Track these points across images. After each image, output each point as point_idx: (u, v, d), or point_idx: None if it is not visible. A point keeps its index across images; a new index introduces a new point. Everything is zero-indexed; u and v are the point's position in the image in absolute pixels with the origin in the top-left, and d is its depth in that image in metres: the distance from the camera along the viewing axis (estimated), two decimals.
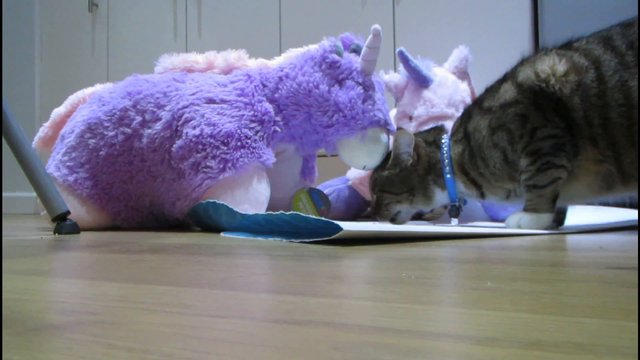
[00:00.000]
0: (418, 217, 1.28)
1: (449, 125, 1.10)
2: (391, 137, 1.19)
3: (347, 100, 1.10)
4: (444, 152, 1.00)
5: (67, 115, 1.34)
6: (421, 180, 1.03)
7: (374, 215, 1.10)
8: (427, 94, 1.28)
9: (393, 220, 1.07)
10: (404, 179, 1.04)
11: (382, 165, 1.10)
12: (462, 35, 1.82)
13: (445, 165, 1.00)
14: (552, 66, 0.87)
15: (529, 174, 0.88)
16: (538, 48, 1.10)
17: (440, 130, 1.07)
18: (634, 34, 0.83)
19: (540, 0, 1.81)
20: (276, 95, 1.14)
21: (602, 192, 0.88)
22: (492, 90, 0.96)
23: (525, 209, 0.90)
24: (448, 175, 1.00)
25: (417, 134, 1.07)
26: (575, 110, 0.84)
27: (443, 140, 1.02)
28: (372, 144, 1.12)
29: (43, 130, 1.37)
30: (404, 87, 1.33)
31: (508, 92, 0.91)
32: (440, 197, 1.03)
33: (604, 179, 0.86)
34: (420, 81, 1.29)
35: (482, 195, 0.99)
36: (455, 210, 1.03)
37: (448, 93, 1.27)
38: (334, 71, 1.12)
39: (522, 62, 0.93)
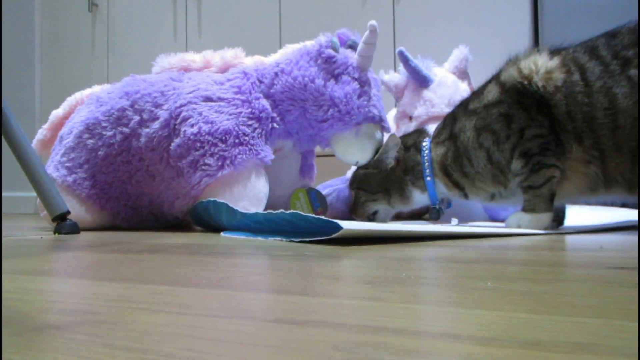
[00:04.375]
0: (418, 216, 1.28)
1: None
2: (385, 135, 1.19)
3: (343, 95, 1.10)
4: (425, 154, 1.01)
5: (65, 117, 1.34)
6: (398, 181, 1.04)
7: (351, 213, 1.11)
8: (427, 94, 1.28)
9: (370, 219, 1.07)
10: (381, 179, 1.06)
11: (368, 163, 1.11)
12: (462, 35, 1.82)
13: (426, 167, 1.01)
14: (536, 62, 0.88)
15: (524, 176, 0.88)
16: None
17: (421, 133, 1.08)
18: (618, 44, 0.84)
19: (540, 0, 1.81)
20: (272, 90, 1.14)
21: (586, 194, 0.90)
22: (477, 92, 0.97)
23: (524, 210, 0.90)
24: (428, 178, 1.01)
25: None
26: (557, 107, 0.85)
27: (424, 144, 1.03)
28: (366, 140, 1.12)
29: (42, 132, 1.37)
30: (404, 87, 1.33)
31: (491, 92, 0.92)
32: (420, 199, 1.04)
33: (591, 181, 0.87)
34: (420, 81, 1.28)
35: (466, 196, 0.99)
36: (435, 213, 1.03)
37: (448, 93, 1.27)
38: (329, 66, 1.12)
39: (507, 62, 0.94)
